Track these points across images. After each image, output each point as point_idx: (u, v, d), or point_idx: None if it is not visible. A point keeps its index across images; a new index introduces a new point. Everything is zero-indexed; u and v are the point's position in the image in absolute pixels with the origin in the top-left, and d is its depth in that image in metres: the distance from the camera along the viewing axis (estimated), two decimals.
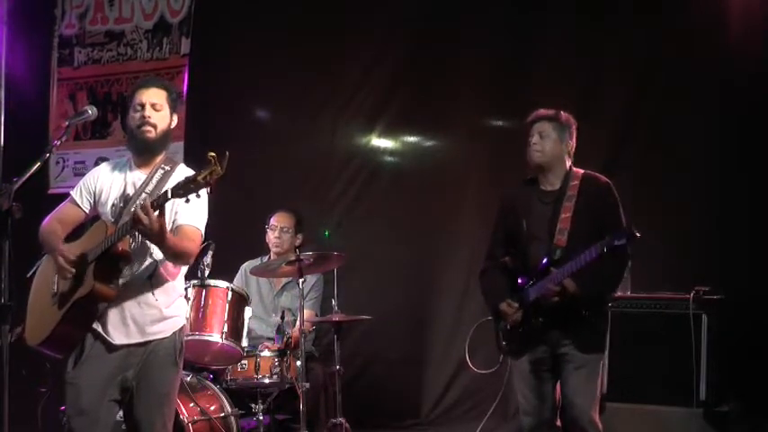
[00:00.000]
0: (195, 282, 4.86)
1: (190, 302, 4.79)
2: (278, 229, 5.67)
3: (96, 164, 6.64)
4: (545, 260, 4.09)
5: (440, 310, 6.43)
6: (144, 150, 3.74)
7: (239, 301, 5.00)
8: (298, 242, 5.64)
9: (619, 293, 5.19)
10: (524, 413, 4.25)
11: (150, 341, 3.67)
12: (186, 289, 4.81)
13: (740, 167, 5.54)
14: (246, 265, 5.72)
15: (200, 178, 3.26)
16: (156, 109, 3.70)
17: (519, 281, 4.20)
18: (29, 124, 7.23)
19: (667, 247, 5.49)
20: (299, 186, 6.68)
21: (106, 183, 3.77)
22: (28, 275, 3.86)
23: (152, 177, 3.70)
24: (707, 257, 5.48)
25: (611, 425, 4.83)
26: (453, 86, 6.37)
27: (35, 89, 7.36)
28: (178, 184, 3.33)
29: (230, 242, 5.47)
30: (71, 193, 3.83)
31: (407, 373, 6.40)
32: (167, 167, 3.73)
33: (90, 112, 3.72)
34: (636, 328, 5.13)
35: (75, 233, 3.81)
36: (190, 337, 4.74)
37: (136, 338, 3.65)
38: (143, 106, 3.69)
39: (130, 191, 3.71)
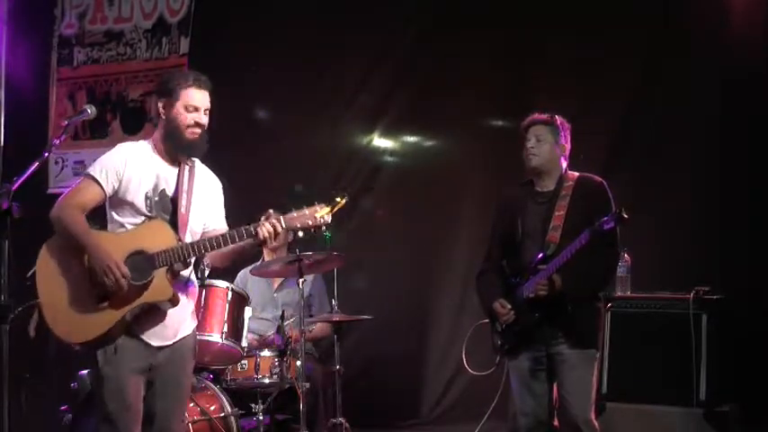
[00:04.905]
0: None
1: None
2: None
3: None
4: (538, 256, 4.12)
5: (440, 311, 6.42)
6: (184, 150, 3.68)
7: (239, 300, 4.99)
8: (290, 238, 5.65)
9: (619, 293, 5.20)
10: (521, 413, 4.26)
11: (178, 339, 3.71)
12: None
13: (740, 167, 5.53)
14: (243, 271, 5.73)
15: (319, 217, 3.49)
16: (206, 113, 3.70)
17: (513, 279, 4.22)
18: (29, 124, 7.23)
19: (667, 247, 5.49)
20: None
21: (135, 171, 3.64)
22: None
23: (183, 174, 3.69)
24: (707, 257, 5.48)
25: (611, 425, 4.84)
26: (453, 86, 6.37)
27: (35, 89, 7.36)
28: (302, 219, 3.53)
29: None
30: (91, 173, 3.63)
31: (407, 373, 6.40)
32: (189, 164, 3.74)
33: (89, 111, 3.72)
34: (636, 328, 5.12)
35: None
36: None
37: (170, 340, 3.67)
38: (197, 109, 3.66)
39: (163, 185, 3.66)
